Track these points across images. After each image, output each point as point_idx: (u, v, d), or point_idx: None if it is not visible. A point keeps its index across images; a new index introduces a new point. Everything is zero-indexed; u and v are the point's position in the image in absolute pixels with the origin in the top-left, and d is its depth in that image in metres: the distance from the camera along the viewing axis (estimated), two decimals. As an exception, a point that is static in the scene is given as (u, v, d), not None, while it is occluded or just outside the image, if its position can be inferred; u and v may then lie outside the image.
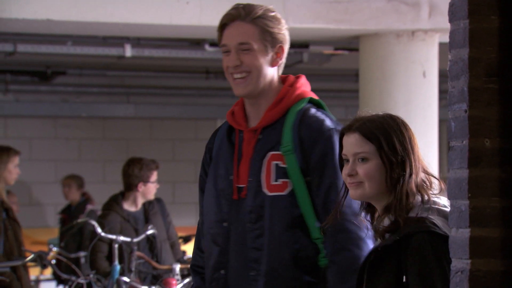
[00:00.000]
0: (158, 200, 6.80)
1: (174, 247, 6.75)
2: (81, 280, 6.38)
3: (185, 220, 11.15)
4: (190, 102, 11.61)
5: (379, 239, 2.81)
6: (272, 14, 3.19)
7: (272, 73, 3.19)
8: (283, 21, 3.22)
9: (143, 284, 5.95)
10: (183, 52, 9.13)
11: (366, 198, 2.82)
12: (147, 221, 6.61)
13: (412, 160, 2.82)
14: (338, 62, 9.99)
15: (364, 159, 2.78)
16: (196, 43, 8.96)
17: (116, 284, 6.13)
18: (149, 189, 6.68)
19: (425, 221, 2.71)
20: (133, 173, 6.64)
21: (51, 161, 11.23)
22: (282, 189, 3.10)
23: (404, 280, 2.69)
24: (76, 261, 8.00)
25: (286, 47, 3.22)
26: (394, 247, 2.70)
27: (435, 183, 2.87)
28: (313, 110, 3.17)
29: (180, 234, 7.11)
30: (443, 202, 2.82)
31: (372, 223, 2.86)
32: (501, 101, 2.50)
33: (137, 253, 6.26)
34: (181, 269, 6.18)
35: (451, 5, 2.51)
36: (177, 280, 5.86)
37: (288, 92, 3.18)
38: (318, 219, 3.09)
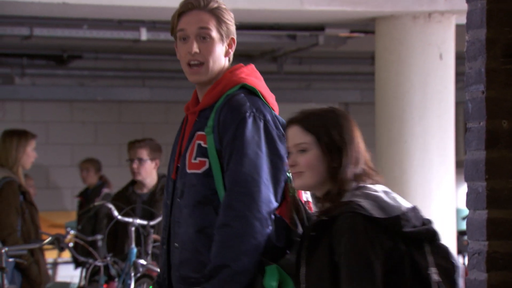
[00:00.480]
0: None
1: None
2: (98, 263, 6.41)
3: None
4: (206, 85, 11.61)
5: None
6: (225, 7, 3.34)
7: (223, 63, 3.32)
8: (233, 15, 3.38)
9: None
10: (198, 35, 9.12)
11: (307, 188, 2.95)
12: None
13: (351, 150, 2.89)
14: (354, 44, 9.95)
15: (304, 150, 2.90)
16: (212, 26, 8.95)
17: (133, 267, 6.15)
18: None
19: (352, 204, 2.78)
20: None
21: (67, 144, 11.27)
22: (199, 167, 3.20)
23: (336, 259, 2.78)
24: (93, 244, 8.04)
25: (235, 40, 3.37)
26: (325, 230, 2.81)
27: (374, 174, 2.93)
28: (240, 96, 3.24)
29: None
30: (378, 188, 2.88)
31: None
32: (519, 82, 2.49)
33: (153, 236, 6.28)
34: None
35: (468, -15, 2.50)
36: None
37: (225, 78, 3.29)
38: None
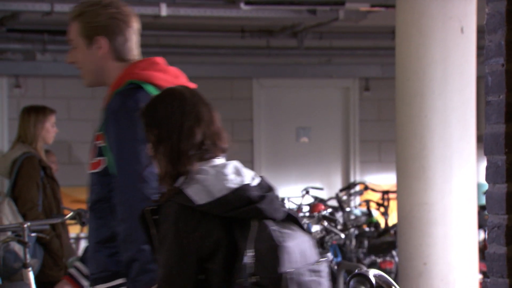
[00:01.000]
0: None
1: None
2: (120, 238, 6.45)
3: (222, 179, 11.19)
4: (226, 61, 11.60)
5: None
6: (94, 7, 3.42)
7: (103, 63, 3.42)
8: (106, 9, 3.44)
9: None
10: (218, 11, 9.10)
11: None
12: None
13: (175, 139, 2.92)
14: (374, 19, 9.90)
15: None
16: (232, 1, 8.92)
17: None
18: None
19: (173, 191, 2.84)
20: None
21: (89, 120, 11.30)
22: (96, 166, 3.31)
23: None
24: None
25: (109, 34, 3.45)
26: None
27: (217, 151, 3.03)
28: (120, 93, 3.32)
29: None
30: (212, 169, 2.93)
31: None
32: (539, 55, 2.47)
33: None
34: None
35: (488, -43, 2.48)
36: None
37: (117, 77, 3.38)
38: None
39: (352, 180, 11.93)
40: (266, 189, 2.91)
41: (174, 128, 2.93)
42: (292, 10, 9.41)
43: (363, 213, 10.14)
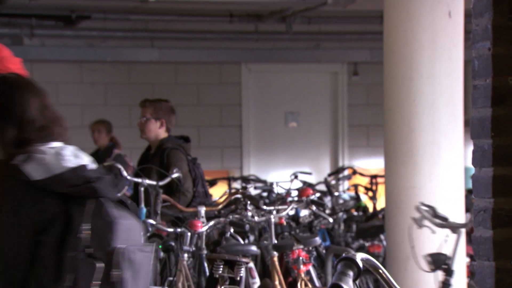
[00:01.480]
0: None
1: None
2: (108, 223, 6.45)
3: (210, 164, 11.20)
4: (214, 46, 11.58)
5: None
6: None
7: None
8: None
9: (168, 227, 6.00)
10: (206, -5, 9.08)
11: None
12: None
13: (13, 124, 3.02)
14: (362, 3, 9.90)
15: None
16: (220, -14, 8.91)
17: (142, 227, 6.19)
18: None
19: (13, 168, 2.93)
20: None
21: (77, 105, 11.29)
22: None
23: None
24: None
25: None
26: None
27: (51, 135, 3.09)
28: None
29: (205, 178, 7.14)
30: (50, 150, 3.03)
31: None
32: (525, 39, 2.48)
33: (162, 196, 6.31)
34: (206, 212, 6.23)
35: None
36: (203, 222, 5.91)
37: None
38: None
39: (340, 164, 11.95)
40: (102, 173, 3.01)
41: (12, 114, 3.04)
42: (280, -6, 9.40)
43: (351, 198, 10.17)
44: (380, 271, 2.55)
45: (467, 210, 9.34)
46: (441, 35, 7.06)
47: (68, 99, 11.18)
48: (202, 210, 6.18)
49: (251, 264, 6.08)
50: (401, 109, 7.07)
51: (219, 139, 11.70)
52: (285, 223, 7.04)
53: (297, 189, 9.07)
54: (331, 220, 6.94)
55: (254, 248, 5.86)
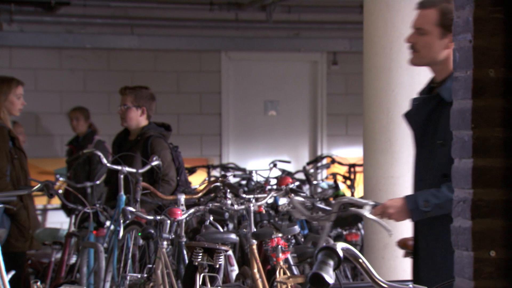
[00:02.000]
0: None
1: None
2: (88, 210, 6.45)
3: (190, 152, 11.20)
4: (194, 33, 11.57)
5: None
6: None
7: None
8: None
9: (148, 214, 6.01)
10: (187, -17, 9.06)
11: None
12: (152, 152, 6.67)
13: None
14: (343, -7, 9.91)
15: None
16: (200, -27, 8.89)
17: (122, 214, 6.19)
18: None
19: None
20: None
21: (56, 92, 11.24)
22: None
23: None
24: (83, 191, 8.07)
25: None
26: None
27: None
28: None
29: (185, 165, 7.15)
30: None
31: None
32: (506, 31, 2.50)
33: (142, 183, 6.31)
34: (186, 200, 6.24)
35: None
36: (182, 210, 5.92)
37: None
38: None
39: (319, 153, 11.99)
40: None
41: None
42: (261, -17, 9.40)
43: (330, 186, 10.20)
44: (360, 260, 2.57)
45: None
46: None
47: (47, 86, 11.14)
48: (182, 198, 6.19)
49: (230, 252, 6.09)
50: (380, 98, 7.10)
51: (198, 127, 11.69)
52: (264, 212, 7.06)
53: (276, 178, 9.10)
54: (309, 208, 6.95)
55: (233, 236, 5.88)
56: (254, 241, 5.75)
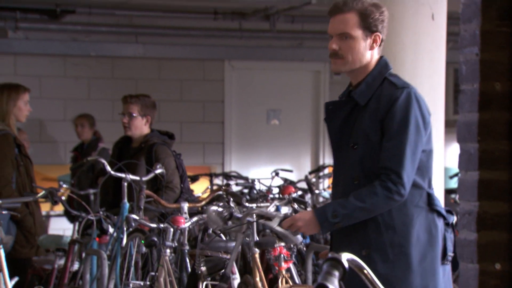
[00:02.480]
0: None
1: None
2: (91, 217, 6.46)
3: (192, 160, 11.22)
4: (198, 42, 11.60)
5: None
6: None
7: None
8: None
9: (152, 222, 6.02)
10: (192, -8, 9.09)
11: None
12: (156, 160, 6.68)
13: None
14: (346, 3, 9.92)
15: None
16: (205, -17, 8.92)
17: (125, 222, 6.20)
18: None
19: None
20: None
21: (61, 99, 11.26)
22: None
23: None
24: (87, 198, 8.08)
25: None
26: None
27: None
28: None
29: (187, 173, 7.16)
30: None
31: None
32: (513, 46, 2.51)
33: (146, 191, 6.32)
34: (189, 208, 6.25)
35: (465, -51, 2.51)
36: (185, 218, 5.93)
37: None
38: None
39: (321, 162, 11.99)
40: None
41: None
42: (265, -7, 9.43)
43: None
44: (365, 271, 2.58)
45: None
46: (424, 37, 7.11)
47: (51, 93, 11.16)
48: (185, 206, 6.20)
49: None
50: (384, 109, 7.12)
51: (201, 135, 11.71)
52: (266, 221, 7.06)
53: (278, 187, 9.12)
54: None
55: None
56: (257, 250, 5.76)
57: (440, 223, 3.83)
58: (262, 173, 11.07)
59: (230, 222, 5.33)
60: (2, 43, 10.86)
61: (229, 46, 11.70)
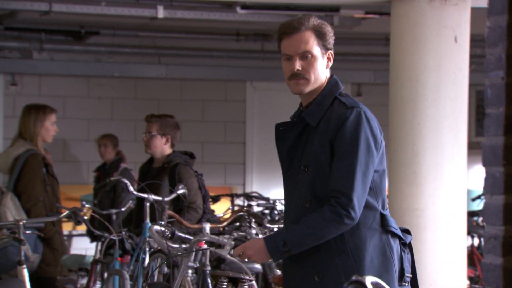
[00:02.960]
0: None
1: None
2: (113, 237, 6.49)
3: (214, 180, 11.24)
4: (220, 63, 11.64)
5: None
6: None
7: None
8: None
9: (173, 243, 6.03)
10: (214, 14, 9.14)
11: None
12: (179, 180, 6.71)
13: None
14: (368, 25, 9.96)
15: None
16: (228, 5, 8.97)
17: (147, 242, 6.22)
18: None
19: None
20: None
21: (84, 119, 11.33)
22: None
23: None
24: (108, 218, 8.11)
25: None
26: None
27: None
28: None
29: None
30: None
31: None
32: (539, 70, 2.52)
33: (168, 212, 6.34)
34: (210, 228, 6.26)
35: (490, -27, 2.52)
36: (208, 239, 5.93)
37: None
38: None
39: (342, 184, 11.96)
40: None
41: None
42: (287, 15, 9.45)
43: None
44: (391, 294, 2.59)
45: (469, 232, 9.38)
46: (446, 59, 7.13)
47: (75, 113, 11.24)
48: (207, 227, 6.21)
49: (253, 282, 6.10)
50: (406, 131, 7.12)
51: (222, 156, 11.74)
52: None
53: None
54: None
55: (257, 265, 5.89)
56: (278, 271, 5.77)
57: (395, 244, 3.74)
58: (283, 194, 11.06)
59: (171, 242, 5.20)
60: (27, 64, 10.96)
61: (251, 67, 11.74)
